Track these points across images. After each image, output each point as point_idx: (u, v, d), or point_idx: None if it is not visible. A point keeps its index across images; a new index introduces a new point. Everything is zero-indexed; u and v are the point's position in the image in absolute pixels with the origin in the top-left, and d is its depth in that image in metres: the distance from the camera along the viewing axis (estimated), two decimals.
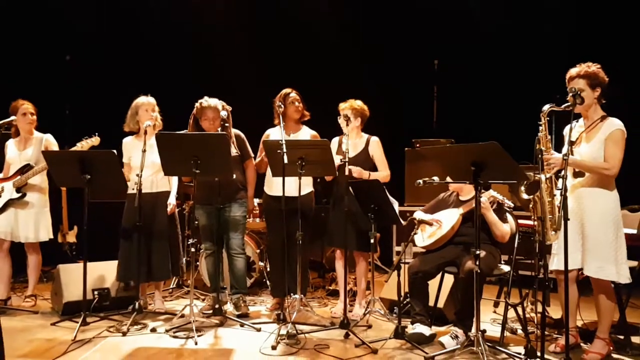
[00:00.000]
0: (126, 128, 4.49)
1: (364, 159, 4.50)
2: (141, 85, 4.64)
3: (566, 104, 3.24)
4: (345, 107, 4.48)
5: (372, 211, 3.96)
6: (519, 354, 3.42)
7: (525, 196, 3.39)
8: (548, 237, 3.33)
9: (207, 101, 4.39)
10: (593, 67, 3.44)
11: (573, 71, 3.48)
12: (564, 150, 3.34)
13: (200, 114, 4.40)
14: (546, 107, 3.28)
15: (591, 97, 3.43)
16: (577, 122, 3.56)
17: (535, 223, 3.37)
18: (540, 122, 3.32)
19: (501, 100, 6.34)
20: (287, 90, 4.57)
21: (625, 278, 3.37)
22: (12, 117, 4.60)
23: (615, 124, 3.40)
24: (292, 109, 4.47)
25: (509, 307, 3.79)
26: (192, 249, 4.09)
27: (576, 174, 3.48)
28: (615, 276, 3.34)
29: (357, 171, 4.34)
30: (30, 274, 4.75)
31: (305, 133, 4.62)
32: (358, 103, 4.52)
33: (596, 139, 3.41)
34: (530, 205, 3.40)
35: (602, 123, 3.43)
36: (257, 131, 4.72)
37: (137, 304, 4.17)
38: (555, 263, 3.53)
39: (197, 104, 4.42)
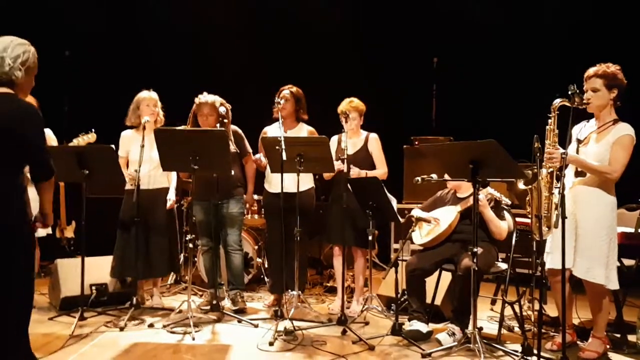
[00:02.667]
0: (128, 122, 4.49)
1: (364, 157, 4.50)
2: (141, 81, 4.63)
3: (578, 101, 3.21)
4: (350, 107, 4.45)
5: (371, 208, 3.97)
6: (516, 351, 3.43)
7: (522, 186, 3.39)
8: (542, 232, 3.32)
9: (205, 97, 4.40)
10: (612, 68, 3.39)
11: (591, 70, 3.44)
12: (570, 147, 3.34)
13: (198, 110, 4.41)
14: (557, 102, 3.27)
15: (607, 97, 3.39)
16: (587, 122, 3.54)
17: (530, 217, 3.36)
18: (550, 115, 3.31)
19: (500, 98, 6.33)
20: (284, 87, 4.58)
21: (613, 284, 3.36)
22: None
23: (626, 129, 3.36)
24: (280, 106, 4.47)
25: (506, 304, 3.80)
26: (190, 245, 4.09)
27: (578, 173, 3.47)
28: (603, 280, 3.33)
29: (355, 173, 4.33)
30: None
31: (303, 130, 4.61)
32: (357, 101, 4.52)
33: (605, 141, 3.38)
34: (527, 198, 3.40)
35: (614, 126, 3.39)
36: (258, 130, 4.73)
37: (134, 299, 4.18)
38: (549, 261, 3.53)
39: (195, 100, 4.43)
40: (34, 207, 2.61)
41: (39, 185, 2.57)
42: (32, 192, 2.56)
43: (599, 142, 3.41)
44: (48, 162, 2.55)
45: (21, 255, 2.48)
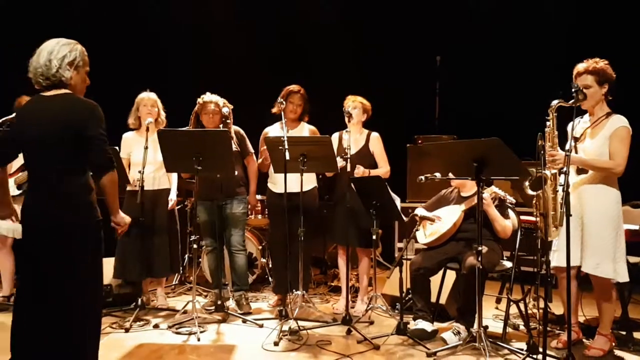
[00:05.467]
0: (130, 123, 4.51)
1: (365, 155, 4.50)
2: (145, 81, 4.63)
3: (573, 100, 3.22)
4: (354, 102, 4.47)
5: (374, 207, 3.96)
6: (521, 349, 3.42)
7: (530, 192, 3.38)
8: (549, 233, 3.32)
9: (209, 97, 4.42)
10: (601, 63, 3.40)
11: (581, 67, 3.44)
12: (568, 146, 3.33)
13: (201, 109, 4.43)
14: (554, 103, 3.25)
15: (599, 93, 3.40)
16: (581, 118, 3.55)
17: (538, 219, 3.36)
18: (548, 118, 3.30)
19: (503, 96, 6.32)
20: (293, 88, 4.56)
21: (622, 276, 3.36)
22: (14, 115, 4.58)
23: (620, 121, 3.37)
24: (289, 108, 4.47)
25: (511, 303, 3.79)
26: (194, 246, 4.09)
27: (579, 171, 3.46)
28: (612, 274, 3.33)
29: (359, 172, 4.33)
30: None
31: (305, 130, 4.62)
32: (360, 99, 4.53)
33: (601, 135, 3.39)
34: (534, 201, 3.39)
35: (607, 120, 3.40)
36: (257, 129, 4.73)
37: (139, 300, 4.19)
38: (555, 259, 3.52)
39: (198, 100, 4.45)
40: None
41: (101, 182, 2.58)
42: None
43: (594, 138, 3.42)
44: (105, 152, 2.55)
45: (88, 254, 2.53)
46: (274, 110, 4.45)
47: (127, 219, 2.83)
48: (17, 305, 2.56)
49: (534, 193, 3.35)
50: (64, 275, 2.49)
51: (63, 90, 2.56)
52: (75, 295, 2.49)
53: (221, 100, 4.43)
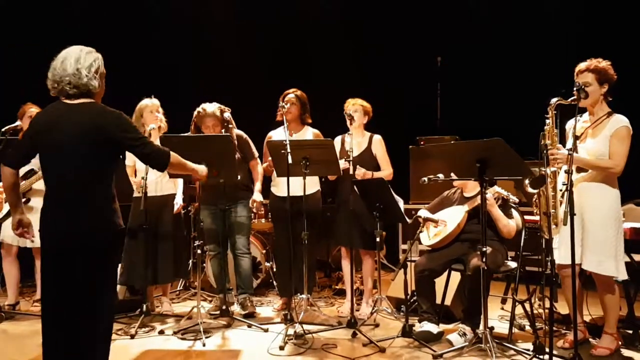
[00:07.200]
0: None
1: (368, 158, 4.49)
2: (144, 82, 4.63)
3: (572, 98, 3.22)
4: (354, 105, 4.48)
5: (378, 210, 3.96)
6: (528, 350, 3.41)
7: (530, 190, 3.38)
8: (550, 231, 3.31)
9: (206, 109, 4.32)
10: (603, 63, 3.41)
11: (582, 65, 3.45)
12: (569, 145, 3.32)
13: (200, 122, 4.37)
14: (553, 101, 3.25)
15: (598, 92, 3.40)
16: (581, 116, 3.54)
17: (539, 218, 3.35)
18: (548, 116, 3.30)
19: (505, 96, 6.31)
20: (289, 90, 4.57)
21: (622, 274, 3.37)
22: (17, 123, 4.60)
23: (621, 121, 3.37)
24: (285, 110, 4.46)
25: (517, 303, 3.79)
26: (199, 251, 4.09)
27: (579, 169, 3.46)
28: (614, 272, 3.33)
29: (360, 174, 4.33)
30: (38, 279, 4.77)
31: (308, 133, 4.62)
32: (361, 101, 4.53)
33: (602, 135, 3.39)
34: (534, 199, 3.39)
35: (608, 119, 3.40)
36: (257, 129, 4.74)
37: (145, 306, 4.19)
38: (555, 257, 3.50)
39: (197, 110, 4.38)
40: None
41: (169, 172, 2.88)
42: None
43: (596, 137, 3.42)
44: (153, 152, 2.66)
45: (107, 260, 2.55)
46: (279, 118, 4.43)
47: (202, 168, 3.10)
48: (43, 309, 2.56)
49: (534, 191, 3.35)
50: (83, 279, 2.49)
51: (88, 99, 2.55)
52: (92, 300, 2.50)
53: (218, 110, 4.33)
